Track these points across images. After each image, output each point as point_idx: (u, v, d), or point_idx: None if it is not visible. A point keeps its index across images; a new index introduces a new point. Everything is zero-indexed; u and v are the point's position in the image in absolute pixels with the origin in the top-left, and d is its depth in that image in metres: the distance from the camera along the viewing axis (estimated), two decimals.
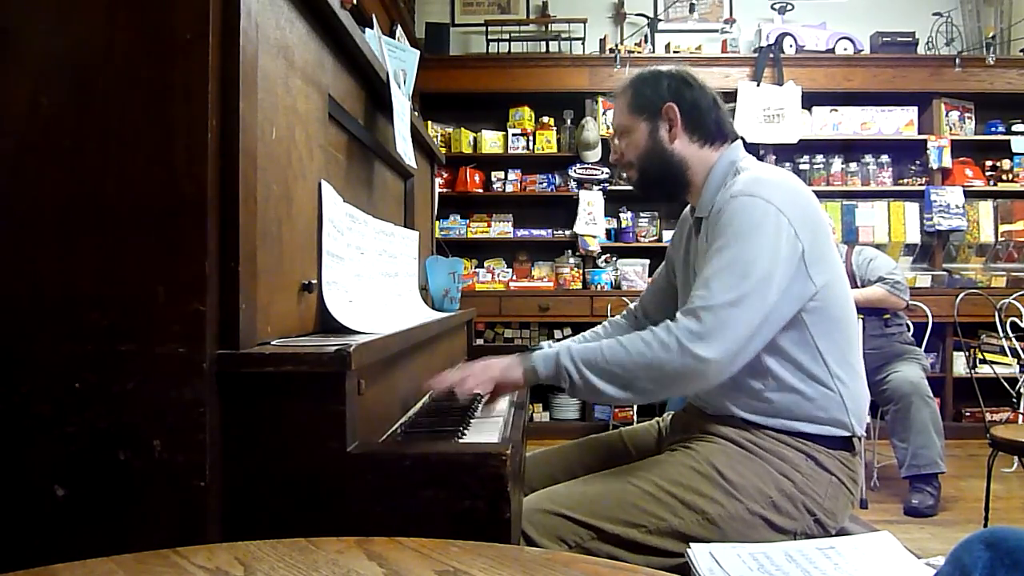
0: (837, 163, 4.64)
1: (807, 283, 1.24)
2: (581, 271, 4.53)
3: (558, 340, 4.42)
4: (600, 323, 1.75)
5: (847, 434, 1.31)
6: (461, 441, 1.12)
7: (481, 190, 4.64)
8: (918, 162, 4.64)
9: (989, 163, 4.63)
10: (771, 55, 4.51)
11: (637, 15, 4.79)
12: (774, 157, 4.55)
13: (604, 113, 4.60)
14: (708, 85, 1.42)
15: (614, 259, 4.62)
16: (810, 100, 4.55)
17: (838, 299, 1.30)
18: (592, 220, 4.48)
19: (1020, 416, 3.37)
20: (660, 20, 4.80)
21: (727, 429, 1.31)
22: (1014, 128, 4.55)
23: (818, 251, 1.25)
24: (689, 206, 1.49)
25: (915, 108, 4.61)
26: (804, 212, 1.26)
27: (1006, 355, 3.16)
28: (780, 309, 1.22)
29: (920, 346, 3.28)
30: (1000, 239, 4.60)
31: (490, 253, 4.78)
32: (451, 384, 1.26)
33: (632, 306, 1.74)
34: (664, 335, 1.20)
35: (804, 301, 1.25)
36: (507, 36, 4.65)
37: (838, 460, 1.30)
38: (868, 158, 4.66)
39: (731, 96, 4.43)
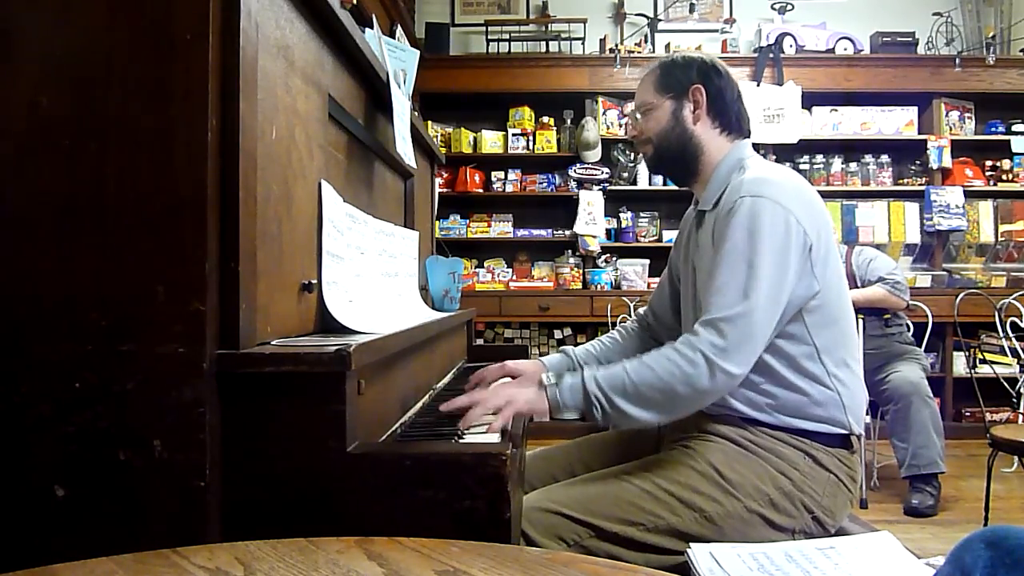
0: (837, 163, 4.64)
1: (812, 281, 1.26)
2: (581, 271, 4.53)
3: (558, 340, 4.46)
4: (601, 324, 1.76)
5: (845, 432, 1.31)
6: (461, 441, 1.12)
7: (481, 190, 4.64)
8: (918, 162, 4.64)
9: (989, 163, 4.63)
10: (771, 55, 4.51)
11: (637, 15, 4.79)
12: (774, 157, 4.55)
13: (604, 113, 4.60)
14: (734, 78, 1.44)
15: (614, 259, 4.62)
16: (810, 100, 4.55)
17: (837, 299, 1.31)
18: (592, 220, 4.48)
19: (1020, 416, 3.36)
20: (660, 20, 4.79)
21: (725, 428, 1.31)
22: (1014, 128, 4.54)
23: (823, 250, 1.27)
24: (693, 200, 1.49)
25: (915, 108, 4.61)
26: (810, 211, 1.27)
27: (1006, 355, 3.15)
28: (788, 307, 1.24)
29: (920, 346, 3.28)
30: (1000, 239, 4.60)
31: (490, 253, 4.78)
32: (466, 407, 1.17)
33: (641, 311, 1.74)
34: (689, 352, 1.18)
35: (807, 299, 1.27)
36: (507, 36, 4.65)
37: (836, 458, 1.30)
38: (868, 158, 4.66)
39: None
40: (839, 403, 1.29)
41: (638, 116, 1.45)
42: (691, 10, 4.76)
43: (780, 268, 1.21)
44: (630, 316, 4.11)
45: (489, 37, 4.63)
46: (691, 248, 1.45)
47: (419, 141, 1.85)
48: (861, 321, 3.09)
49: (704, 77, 1.39)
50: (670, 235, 4.59)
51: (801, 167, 4.62)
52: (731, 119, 1.41)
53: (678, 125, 1.40)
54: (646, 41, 4.72)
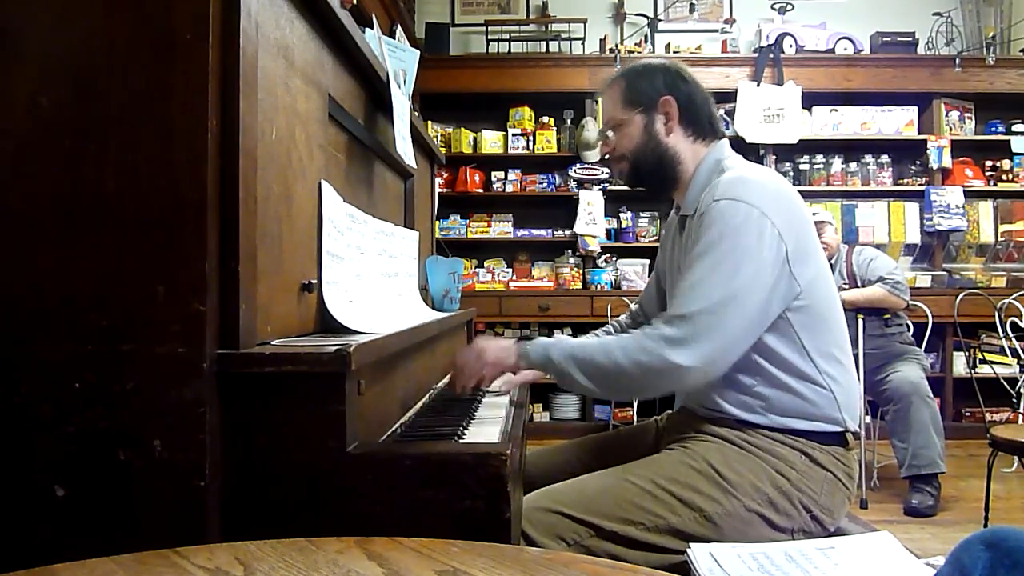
0: (837, 163, 4.64)
1: (792, 283, 1.25)
2: (581, 271, 4.53)
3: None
4: (601, 324, 1.76)
5: (840, 429, 1.31)
6: (461, 441, 1.12)
7: (481, 190, 4.64)
8: (918, 162, 4.64)
9: (989, 163, 4.63)
10: (771, 55, 4.51)
11: (637, 15, 4.79)
12: (774, 157, 4.55)
13: None
14: (698, 80, 1.42)
15: (614, 259, 4.62)
16: (810, 100, 4.55)
17: (822, 296, 1.30)
18: (592, 220, 4.48)
19: (1020, 416, 3.37)
20: (660, 20, 4.80)
21: (722, 429, 1.32)
22: (1014, 128, 4.55)
23: (802, 250, 1.26)
24: (674, 206, 1.49)
25: (915, 108, 4.61)
26: (788, 212, 1.26)
27: (1006, 355, 3.16)
28: (766, 311, 1.23)
29: (920, 346, 3.28)
30: (1000, 239, 4.60)
31: (490, 253, 4.78)
32: (466, 383, 1.33)
33: (634, 308, 1.74)
34: (644, 340, 1.22)
35: (790, 301, 1.26)
36: (507, 36, 4.65)
37: (832, 456, 1.30)
38: (868, 158, 4.66)
39: (731, 96, 4.43)
40: (833, 401, 1.29)
41: (609, 134, 1.42)
42: (691, 10, 4.76)
43: (755, 269, 1.20)
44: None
45: (489, 37, 4.63)
46: (676, 253, 1.44)
47: (419, 141, 1.85)
48: (861, 321, 3.09)
49: (672, 86, 1.37)
50: None
51: (801, 167, 4.62)
52: (704, 125, 1.39)
53: (652, 139, 1.38)
54: (646, 41, 4.72)
